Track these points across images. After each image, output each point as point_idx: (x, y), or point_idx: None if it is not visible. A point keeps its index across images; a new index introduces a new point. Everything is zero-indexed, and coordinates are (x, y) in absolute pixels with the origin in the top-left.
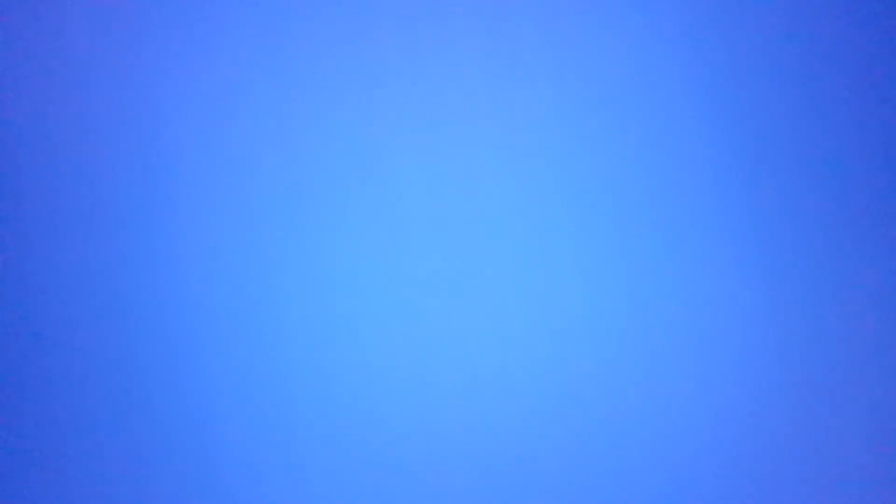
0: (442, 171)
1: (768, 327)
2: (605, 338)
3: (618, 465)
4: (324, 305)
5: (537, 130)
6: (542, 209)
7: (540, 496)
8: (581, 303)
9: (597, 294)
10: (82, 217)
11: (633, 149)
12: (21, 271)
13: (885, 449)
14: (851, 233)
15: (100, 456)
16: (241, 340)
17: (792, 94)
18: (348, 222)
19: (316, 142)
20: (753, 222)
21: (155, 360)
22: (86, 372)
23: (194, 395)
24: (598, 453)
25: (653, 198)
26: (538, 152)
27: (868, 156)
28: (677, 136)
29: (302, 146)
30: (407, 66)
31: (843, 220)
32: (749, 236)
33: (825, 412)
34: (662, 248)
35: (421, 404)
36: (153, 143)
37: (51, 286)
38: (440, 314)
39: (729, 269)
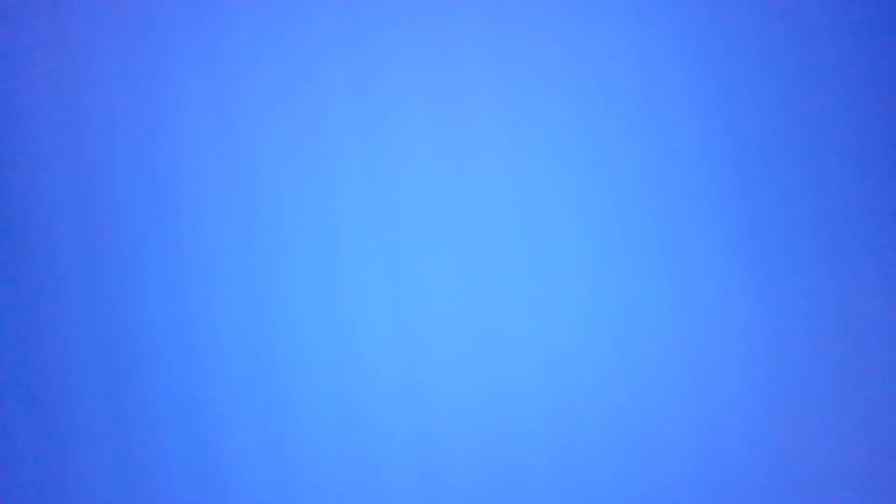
0: (446, 174)
1: (766, 332)
2: (607, 341)
3: (619, 468)
4: (328, 308)
5: (541, 134)
6: (544, 214)
7: (541, 497)
8: (582, 306)
9: (598, 298)
10: (88, 218)
11: (634, 154)
12: (27, 273)
13: (883, 453)
14: (850, 238)
15: (104, 457)
16: (246, 342)
17: (794, 102)
18: (353, 224)
19: (320, 144)
20: (753, 228)
21: (158, 361)
22: (89, 374)
23: (198, 398)
24: (599, 455)
25: (654, 203)
26: (541, 156)
27: (868, 161)
28: (679, 142)
29: (306, 148)
30: (411, 70)
31: (841, 226)
32: (748, 242)
33: (821, 414)
34: (662, 253)
35: (424, 406)
36: (162, 145)
37: (57, 286)
38: (444, 317)
39: (729, 274)
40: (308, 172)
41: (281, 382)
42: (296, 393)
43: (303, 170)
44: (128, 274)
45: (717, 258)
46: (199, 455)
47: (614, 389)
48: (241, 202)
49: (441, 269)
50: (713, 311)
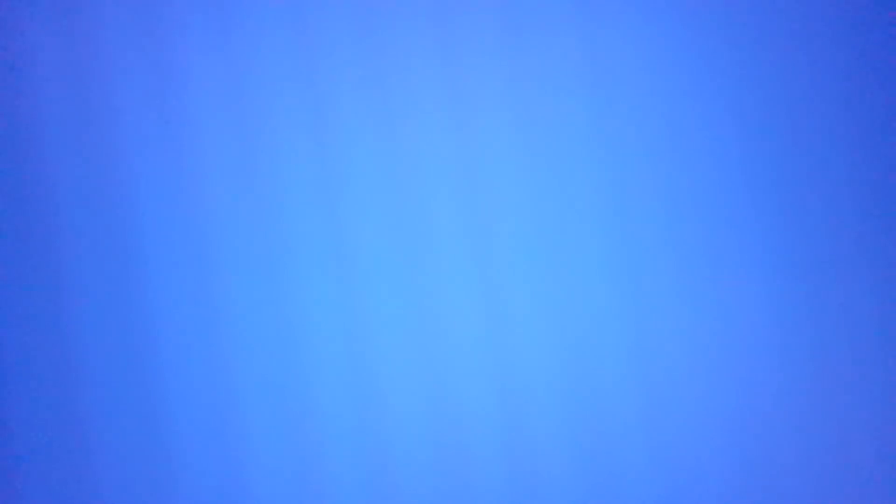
0: (462, 174)
1: (780, 332)
2: (624, 342)
3: (638, 469)
4: (345, 308)
5: (556, 134)
6: (559, 214)
7: (559, 498)
8: (599, 306)
9: (614, 299)
10: (105, 218)
11: (649, 153)
12: (44, 272)
13: (892, 452)
14: (862, 236)
15: (120, 458)
16: (263, 343)
17: (808, 100)
18: (370, 225)
19: (336, 142)
20: (767, 227)
21: (175, 359)
22: (108, 375)
23: (213, 399)
24: (617, 456)
25: (669, 204)
26: (556, 155)
27: (880, 160)
28: (692, 142)
29: (322, 146)
30: (426, 67)
31: (854, 223)
32: (761, 240)
33: (836, 414)
34: (679, 254)
35: (442, 407)
36: (175, 144)
37: (75, 287)
38: (461, 318)
39: (744, 274)
40: (324, 171)
41: (297, 382)
42: (312, 391)
43: (319, 168)
44: (145, 274)
45: (734, 259)
46: (215, 455)
47: (633, 392)
48: (258, 202)
49: (457, 270)
50: (730, 312)
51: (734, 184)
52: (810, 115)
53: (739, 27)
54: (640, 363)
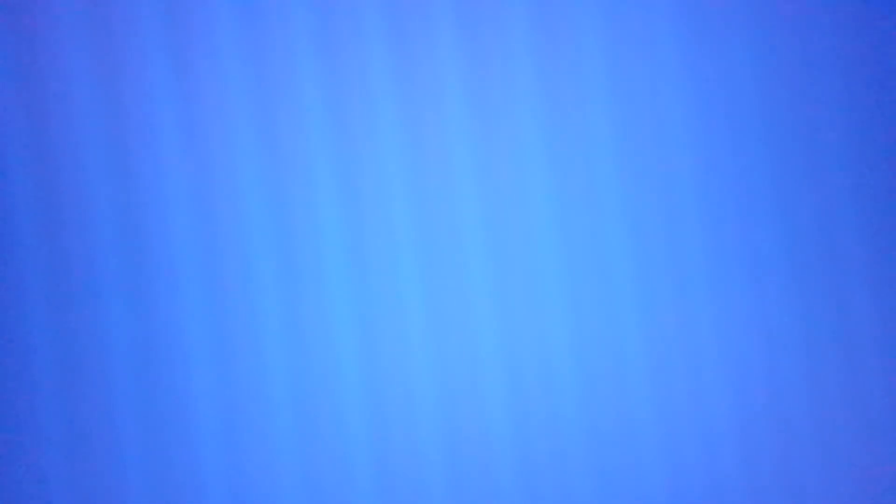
0: (485, 174)
1: (805, 331)
2: (639, 340)
3: (651, 468)
4: (361, 307)
5: (578, 134)
6: (581, 212)
7: (573, 496)
8: (618, 304)
9: (632, 296)
10: (121, 215)
11: (674, 151)
12: (65, 272)
13: (881, 456)
14: (849, 240)
15: (135, 459)
16: (279, 339)
17: (822, 100)
18: (388, 224)
19: (359, 141)
20: (794, 227)
21: (189, 361)
22: (123, 377)
23: (229, 399)
24: (631, 452)
25: (691, 202)
26: (581, 155)
27: (869, 162)
28: (718, 142)
29: (347, 144)
30: (453, 71)
31: (841, 228)
32: (788, 240)
33: (861, 413)
34: (699, 253)
35: (457, 407)
36: (194, 145)
37: (94, 288)
38: (478, 316)
39: (769, 273)
40: (346, 170)
41: (314, 382)
42: (329, 389)
43: (340, 168)
44: (161, 271)
45: (758, 258)
46: (232, 455)
47: (652, 394)
48: (275, 198)
49: (478, 269)
50: (753, 311)
51: (762, 185)
52: (846, 120)
53: (772, 30)
54: (662, 366)
